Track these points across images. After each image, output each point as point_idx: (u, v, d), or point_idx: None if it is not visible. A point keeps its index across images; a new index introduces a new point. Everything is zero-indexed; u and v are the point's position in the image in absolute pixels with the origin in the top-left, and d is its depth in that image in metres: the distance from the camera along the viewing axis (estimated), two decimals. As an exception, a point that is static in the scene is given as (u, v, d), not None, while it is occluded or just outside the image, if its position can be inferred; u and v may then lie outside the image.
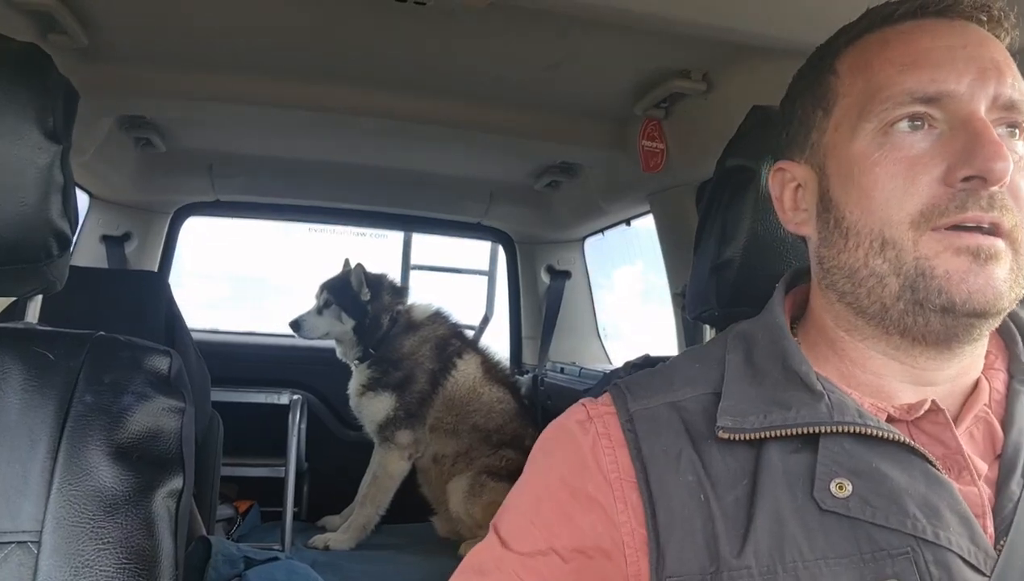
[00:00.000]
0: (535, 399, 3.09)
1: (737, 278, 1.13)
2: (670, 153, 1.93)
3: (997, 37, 0.69)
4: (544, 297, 3.43)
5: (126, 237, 2.95)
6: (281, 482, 2.72)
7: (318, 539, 2.68)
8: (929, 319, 0.64)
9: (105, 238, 2.88)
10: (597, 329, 3.47)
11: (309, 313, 2.93)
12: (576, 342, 3.41)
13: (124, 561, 0.75)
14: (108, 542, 0.75)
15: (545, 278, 3.44)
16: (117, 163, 2.50)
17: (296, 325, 2.92)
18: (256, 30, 1.67)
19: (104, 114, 2.09)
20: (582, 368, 2.96)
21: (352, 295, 2.88)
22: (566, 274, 3.41)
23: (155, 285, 1.89)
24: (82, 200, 2.73)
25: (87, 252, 2.80)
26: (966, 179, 0.62)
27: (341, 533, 2.71)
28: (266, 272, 4.73)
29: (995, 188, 0.61)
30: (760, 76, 1.54)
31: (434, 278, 3.77)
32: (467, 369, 2.88)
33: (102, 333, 0.86)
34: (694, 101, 1.79)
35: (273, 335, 3.70)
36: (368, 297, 2.87)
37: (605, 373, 2.43)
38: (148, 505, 0.78)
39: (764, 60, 1.48)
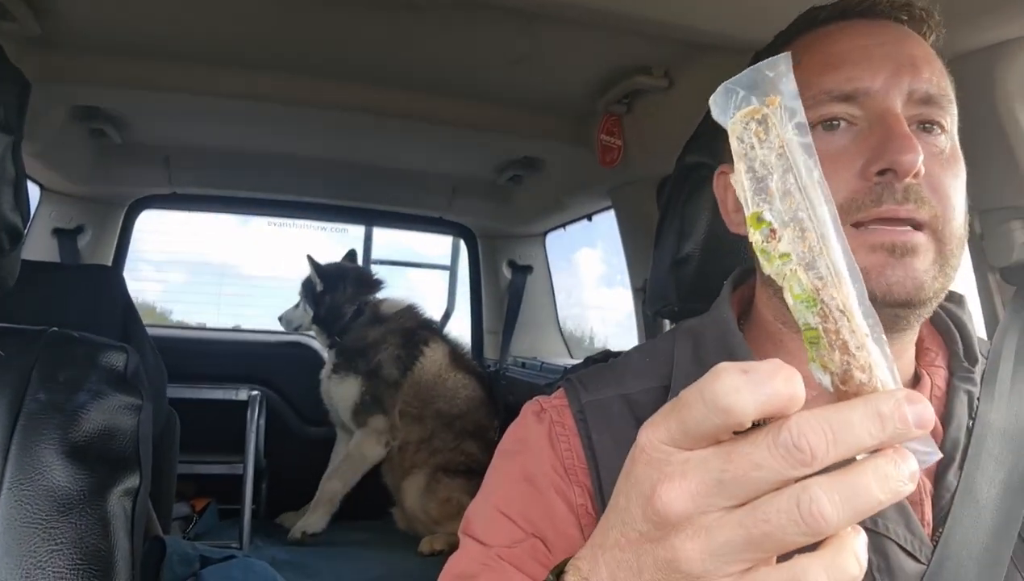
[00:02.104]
0: (497, 394, 3.10)
1: (696, 274, 1.15)
2: (630, 148, 1.94)
3: (921, 34, 0.71)
4: (506, 292, 3.44)
5: (79, 230, 2.88)
6: (239, 479, 2.68)
7: (296, 530, 2.68)
8: None
9: (57, 231, 2.82)
10: (558, 324, 3.49)
11: (290, 308, 3.10)
12: (537, 337, 3.42)
13: (78, 562, 0.74)
14: (61, 543, 0.74)
15: (507, 273, 3.44)
16: (70, 155, 2.44)
17: (280, 319, 3.13)
18: (214, 20, 1.64)
19: (57, 104, 2.04)
20: (543, 363, 2.97)
21: (312, 287, 2.97)
22: (528, 269, 3.41)
23: (110, 280, 1.84)
24: (32, 192, 2.67)
25: (38, 246, 2.74)
26: (880, 173, 0.64)
27: (311, 514, 2.71)
28: (238, 263, 4.67)
29: (909, 180, 0.63)
30: (720, 73, 1.53)
31: (396, 272, 3.77)
32: (434, 355, 2.93)
33: (55, 329, 0.84)
34: (655, 97, 1.80)
35: (231, 330, 3.66)
36: (321, 287, 2.94)
37: (566, 368, 2.44)
38: (103, 505, 0.77)
39: (724, 57, 1.49)
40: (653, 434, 0.37)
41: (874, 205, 0.64)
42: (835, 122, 0.67)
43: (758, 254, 0.39)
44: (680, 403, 0.36)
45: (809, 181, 0.37)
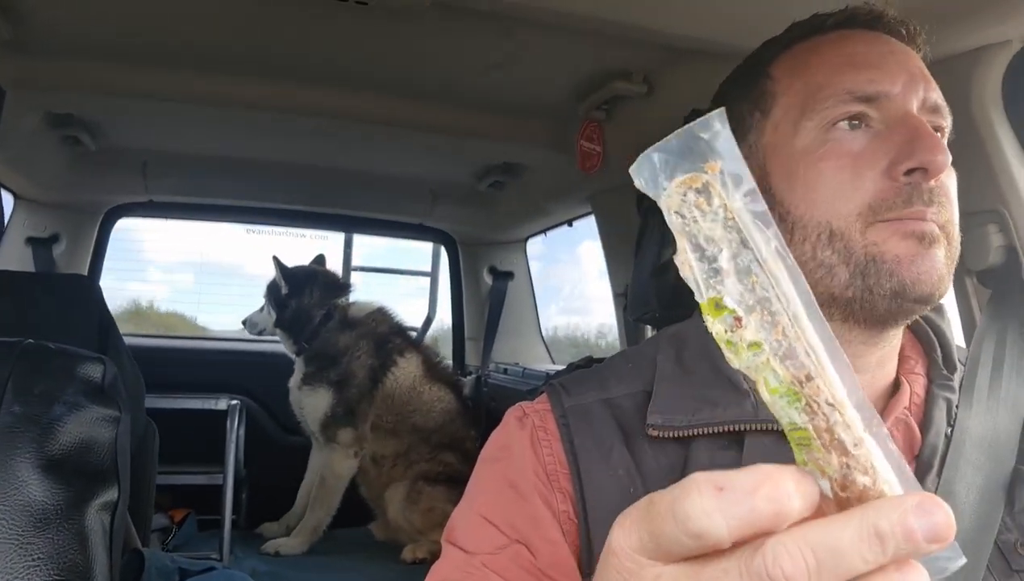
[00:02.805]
0: (479, 400, 3.09)
1: (677, 280, 1.15)
2: (609, 155, 1.94)
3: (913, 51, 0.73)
4: (487, 298, 3.43)
5: (54, 239, 2.84)
6: (218, 490, 2.65)
7: (270, 545, 2.65)
8: (876, 303, 0.66)
9: (31, 240, 2.78)
10: (540, 330, 3.49)
11: (256, 310, 3.03)
12: (519, 343, 3.42)
13: (56, 577, 0.73)
14: (39, 558, 0.72)
15: (488, 279, 3.44)
16: (44, 162, 2.40)
17: (244, 322, 3.06)
18: (191, 24, 1.63)
19: (30, 111, 2.01)
20: (525, 369, 2.97)
21: (277, 290, 2.93)
22: (509, 275, 3.41)
23: (86, 289, 1.82)
24: (5, 200, 2.63)
25: (11, 255, 2.69)
26: (909, 172, 0.65)
27: (292, 538, 2.68)
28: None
29: (933, 183, 0.64)
30: (699, 79, 1.56)
31: (378, 279, 3.76)
32: (408, 367, 2.88)
33: (30, 341, 0.83)
34: (635, 103, 1.80)
35: (210, 338, 3.64)
36: (287, 291, 2.89)
37: (548, 374, 2.44)
38: (81, 519, 0.76)
39: (703, 63, 1.50)
40: (625, 540, 0.33)
41: (904, 205, 0.65)
42: (856, 121, 0.68)
43: (723, 347, 0.33)
44: (652, 512, 0.32)
45: (769, 254, 0.32)
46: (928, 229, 0.65)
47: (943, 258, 0.65)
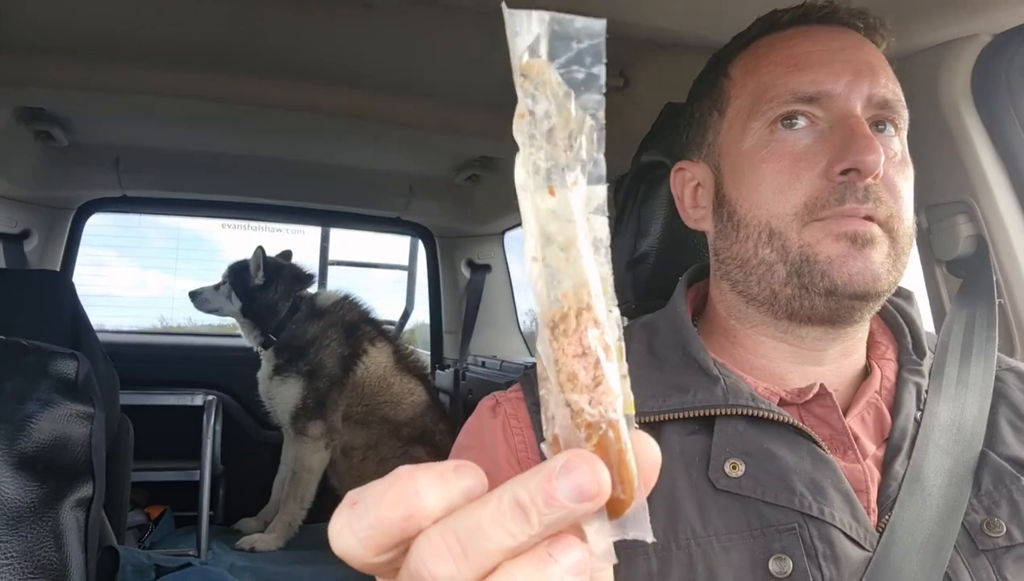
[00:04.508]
0: (456, 393, 3.09)
1: (653, 272, 1.16)
2: (586, 148, 1.95)
3: (873, 42, 0.75)
4: (465, 291, 3.43)
5: (25, 235, 2.80)
6: (195, 486, 2.64)
7: (245, 540, 2.63)
8: (815, 301, 0.68)
9: (2, 236, 2.74)
10: (518, 323, 3.49)
11: (209, 287, 2.97)
12: (497, 336, 3.42)
13: (29, 576, 0.72)
14: (12, 557, 0.72)
15: (465, 272, 3.43)
16: (15, 157, 2.36)
17: (193, 294, 2.99)
18: (164, 19, 1.61)
19: (0, 106, 1.98)
20: (503, 361, 2.98)
21: (245, 278, 2.89)
22: (486, 268, 3.41)
23: (58, 285, 1.80)
24: (-25, 195, 2.59)
25: (-19, 252, 2.66)
26: (844, 172, 0.67)
27: (268, 534, 2.67)
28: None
29: (870, 180, 0.66)
30: (675, 72, 1.56)
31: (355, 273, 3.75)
32: (378, 357, 2.88)
33: (2, 337, 0.82)
34: (611, 97, 1.77)
35: (185, 334, 3.61)
36: (262, 282, 2.86)
37: (526, 366, 2.45)
38: (55, 516, 0.75)
39: (679, 57, 1.51)
40: None
41: (837, 204, 0.67)
42: (794, 120, 0.69)
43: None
44: None
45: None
46: (863, 230, 0.66)
47: (879, 257, 0.67)
